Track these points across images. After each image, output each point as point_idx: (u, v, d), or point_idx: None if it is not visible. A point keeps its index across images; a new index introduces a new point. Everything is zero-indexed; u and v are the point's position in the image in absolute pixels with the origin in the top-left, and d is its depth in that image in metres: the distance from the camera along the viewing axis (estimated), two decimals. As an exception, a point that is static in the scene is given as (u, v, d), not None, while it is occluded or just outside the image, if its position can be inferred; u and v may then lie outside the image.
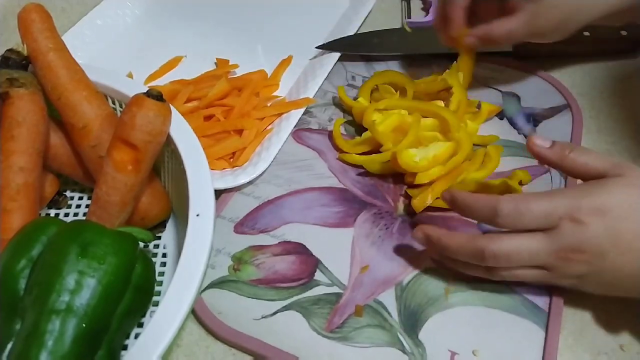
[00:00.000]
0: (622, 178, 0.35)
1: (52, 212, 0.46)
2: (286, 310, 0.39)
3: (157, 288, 0.40)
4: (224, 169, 0.49)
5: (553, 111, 0.53)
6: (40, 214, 0.42)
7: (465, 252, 0.37)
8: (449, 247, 0.38)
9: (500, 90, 0.55)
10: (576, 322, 0.39)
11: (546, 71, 0.57)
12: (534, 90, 0.55)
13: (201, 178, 0.37)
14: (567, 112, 0.53)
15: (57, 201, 0.45)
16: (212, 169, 0.44)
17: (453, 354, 0.37)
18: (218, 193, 0.47)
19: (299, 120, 0.52)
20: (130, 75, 0.56)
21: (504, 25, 0.47)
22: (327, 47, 0.58)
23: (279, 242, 0.43)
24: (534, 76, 0.57)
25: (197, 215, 0.35)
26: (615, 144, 0.51)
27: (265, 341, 0.38)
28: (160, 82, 0.56)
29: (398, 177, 0.47)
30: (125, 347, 0.37)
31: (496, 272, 0.37)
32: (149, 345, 0.30)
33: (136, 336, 0.38)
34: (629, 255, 0.34)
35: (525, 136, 0.51)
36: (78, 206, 0.46)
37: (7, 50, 0.42)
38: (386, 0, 0.67)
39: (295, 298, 0.40)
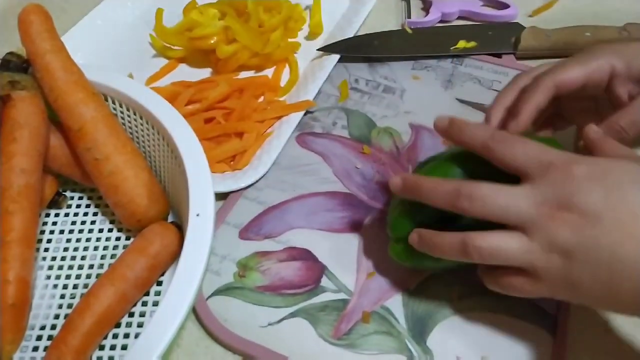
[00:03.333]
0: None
1: (52, 213, 0.46)
2: (293, 317, 0.39)
3: (157, 288, 0.41)
4: (224, 172, 0.48)
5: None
6: (40, 215, 0.42)
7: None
8: (435, 245, 0.34)
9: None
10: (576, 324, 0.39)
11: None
12: None
13: (201, 178, 0.37)
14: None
15: (57, 201, 0.45)
16: (212, 172, 0.44)
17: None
18: (222, 198, 0.47)
19: (303, 124, 0.52)
20: (130, 76, 0.56)
21: (627, 115, 0.40)
22: (328, 49, 0.57)
23: (284, 248, 0.43)
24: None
25: (197, 215, 0.35)
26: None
27: (272, 349, 0.37)
28: (161, 83, 0.56)
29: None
30: (125, 347, 0.37)
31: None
32: (149, 345, 0.30)
33: (136, 336, 0.38)
34: (631, 228, 0.28)
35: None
36: (78, 206, 0.46)
37: (8, 53, 0.42)
38: (386, 0, 0.67)
39: (301, 305, 0.40)
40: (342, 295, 0.40)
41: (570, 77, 0.40)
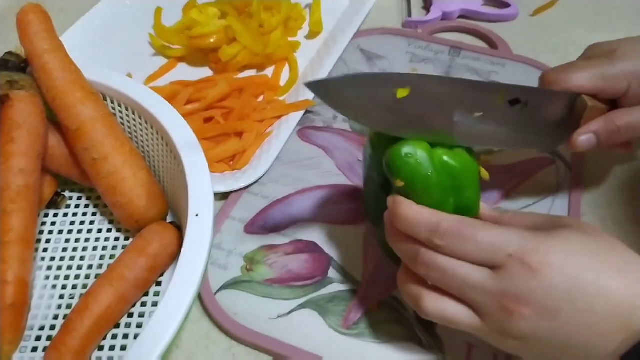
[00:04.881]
0: (574, 228, 0.30)
1: (52, 213, 0.45)
2: (302, 308, 0.40)
3: (156, 288, 0.41)
4: (224, 171, 0.48)
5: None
6: (39, 215, 0.42)
7: (402, 248, 0.32)
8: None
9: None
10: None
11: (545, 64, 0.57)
12: (535, 82, 0.54)
13: (200, 178, 0.37)
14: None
15: (56, 202, 0.45)
16: (212, 172, 0.44)
17: (470, 346, 0.37)
18: (222, 197, 0.47)
19: (303, 119, 0.52)
20: (129, 75, 0.56)
21: (627, 117, 0.39)
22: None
23: (291, 241, 0.43)
24: (534, 69, 0.57)
25: (197, 215, 0.35)
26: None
27: (283, 340, 0.38)
28: (160, 82, 0.56)
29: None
30: (124, 348, 0.37)
31: (421, 298, 0.31)
32: (148, 345, 0.30)
33: (135, 337, 0.38)
34: (588, 318, 0.28)
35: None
36: (77, 206, 0.46)
37: (7, 52, 0.42)
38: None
39: (310, 296, 0.40)
40: (349, 286, 0.41)
41: (577, 86, 0.38)
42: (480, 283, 0.29)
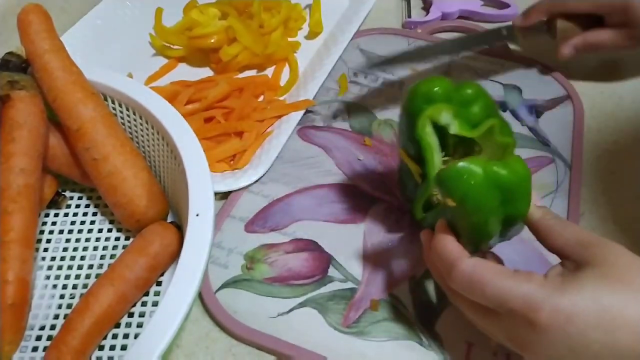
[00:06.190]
0: (597, 269, 0.29)
1: (52, 213, 0.45)
2: (302, 307, 0.40)
3: (156, 288, 0.41)
4: (224, 171, 0.49)
5: (554, 102, 0.54)
6: (40, 215, 0.42)
7: (435, 268, 0.35)
8: (434, 246, 0.34)
9: (501, 83, 0.56)
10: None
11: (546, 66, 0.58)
12: (534, 82, 0.56)
13: (201, 178, 0.37)
14: (569, 102, 0.54)
15: (57, 201, 0.45)
16: (212, 172, 0.44)
17: (469, 345, 0.37)
18: (223, 197, 0.47)
19: (304, 118, 0.52)
20: (130, 75, 0.56)
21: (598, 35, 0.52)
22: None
23: (291, 240, 0.44)
24: (533, 68, 0.57)
25: (197, 215, 0.35)
26: (616, 143, 0.51)
27: (283, 339, 0.38)
28: (160, 82, 0.56)
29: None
30: (124, 347, 0.37)
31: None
32: (149, 345, 0.30)
33: (136, 336, 0.38)
34: None
35: (529, 128, 0.51)
36: (78, 206, 0.46)
37: (7, 53, 0.42)
38: (386, 0, 0.67)
39: (310, 295, 0.40)
40: (349, 285, 0.41)
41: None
42: (490, 326, 0.32)
